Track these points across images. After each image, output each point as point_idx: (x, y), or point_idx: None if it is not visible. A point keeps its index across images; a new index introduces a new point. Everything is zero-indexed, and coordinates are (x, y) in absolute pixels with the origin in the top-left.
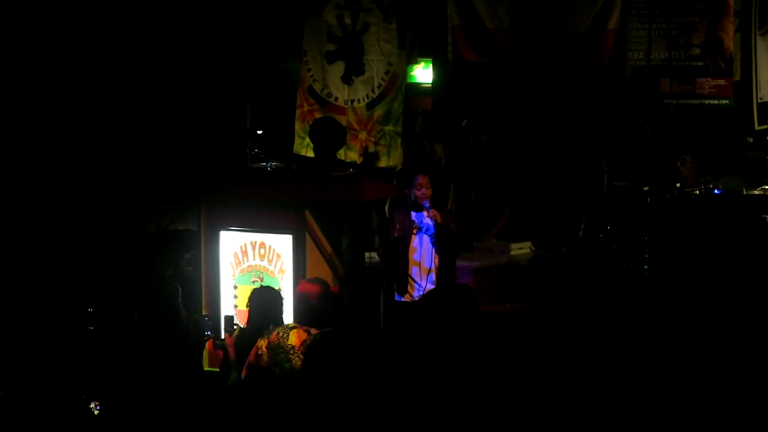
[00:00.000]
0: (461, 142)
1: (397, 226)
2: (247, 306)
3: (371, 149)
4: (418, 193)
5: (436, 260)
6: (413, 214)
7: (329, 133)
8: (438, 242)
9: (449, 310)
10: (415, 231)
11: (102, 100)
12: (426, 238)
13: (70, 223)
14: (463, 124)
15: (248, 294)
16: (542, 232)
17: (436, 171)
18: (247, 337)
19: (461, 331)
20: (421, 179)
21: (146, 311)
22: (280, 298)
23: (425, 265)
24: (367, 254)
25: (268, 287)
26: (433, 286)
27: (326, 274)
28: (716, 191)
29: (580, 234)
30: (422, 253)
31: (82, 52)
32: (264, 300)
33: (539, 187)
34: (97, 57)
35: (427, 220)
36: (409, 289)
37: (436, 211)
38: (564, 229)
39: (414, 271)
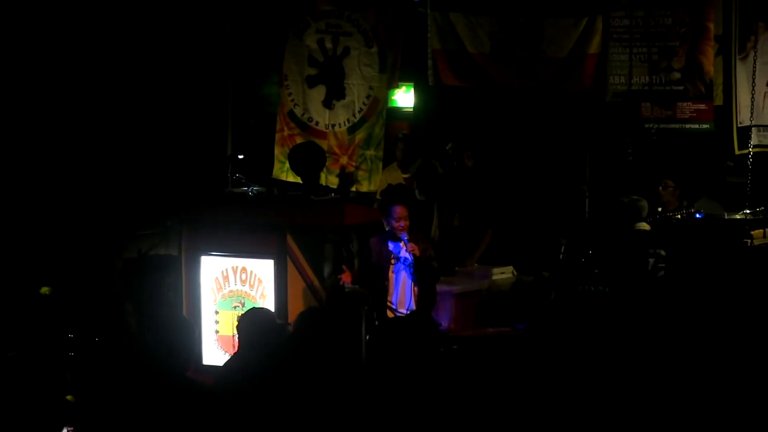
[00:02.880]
0: (445, 166)
1: (374, 255)
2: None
3: (352, 173)
4: (396, 224)
5: (415, 289)
6: (390, 243)
7: (308, 158)
8: (416, 273)
9: (409, 341)
10: (392, 261)
11: (82, 124)
12: (403, 268)
13: (48, 247)
14: (447, 148)
15: (232, 319)
16: (524, 256)
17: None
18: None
19: (424, 360)
20: (400, 211)
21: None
22: (278, 325)
23: (403, 293)
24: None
25: (263, 309)
26: None
27: (308, 299)
28: (698, 215)
29: (561, 258)
30: (400, 282)
31: (59, 75)
32: (257, 324)
33: (521, 212)
34: (77, 82)
35: (405, 252)
36: (389, 315)
37: (414, 245)
38: (546, 254)
39: (393, 299)
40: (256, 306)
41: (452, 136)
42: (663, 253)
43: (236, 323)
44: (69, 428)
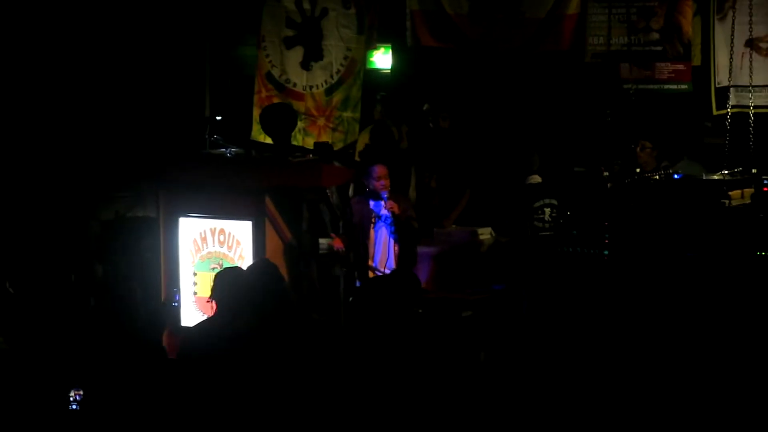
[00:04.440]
0: (421, 128)
1: (356, 215)
2: (211, 293)
3: (329, 136)
4: (377, 183)
5: (396, 248)
6: (371, 202)
7: (279, 119)
8: (397, 231)
9: (390, 299)
10: (373, 220)
11: (57, 85)
12: (384, 228)
13: (23, 208)
14: (424, 109)
15: (210, 281)
16: (501, 217)
17: (398, 156)
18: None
19: (404, 319)
20: (379, 170)
21: (103, 297)
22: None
23: (384, 253)
24: (323, 240)
25: (236, 268)
26: None
27: (286, 260)
28: (675, 176)
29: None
30: (381, 241)
31: (37, 34)
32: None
33: (499, 173)
34: (54, 41)
35: (386, 210)
36: (370, 275)
37: (393, 202)
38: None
39: (374, 259)
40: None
41: (429, 97)
42: (555, 202)
43: (211, 284)
44: (77, 391)
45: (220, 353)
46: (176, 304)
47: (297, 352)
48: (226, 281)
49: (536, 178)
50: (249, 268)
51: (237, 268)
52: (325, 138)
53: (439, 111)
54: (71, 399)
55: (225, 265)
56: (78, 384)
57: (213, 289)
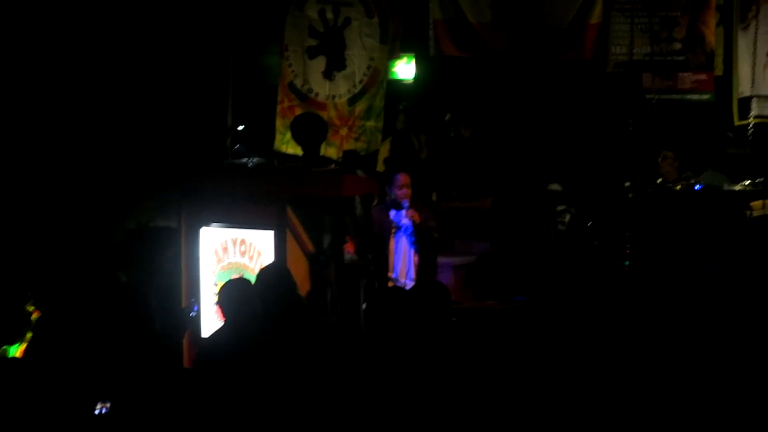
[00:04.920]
0: (443, 137)
1: (375, 224)
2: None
3: (351, 145)
4: (399, 192)
5: (416, 258)
6: (392, 212)
7: (310, 129)
8: (417, 242)
9: (424, 310)
10: (393, 230)
11: (81, 96)
12: (404, 237)
13: (48, 218)
14: (446, 119)
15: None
16: (524, 223)
17: (418, 166)
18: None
19: (438, 330)
20: (403, 178)
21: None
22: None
23: (404, 263)
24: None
25: (238, 280)
26: (413, 284)
27: (307, 271)
28: (697, 187)
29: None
30: (401, 252)
31: (61, 46)
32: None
33: (521, 183)
34: (78, 52)
35: (406, 220)
36: (389, 286)
37: (414, 211)
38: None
39: (394, 269)
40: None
41: (452, 106)
42: (573, 210)
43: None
44: (104, 404)
45: (228, 361)
46: (194, 314)
47: (304, 355)
48: (230, 294)
49: (556, 186)
50: (259, 272)
51: (240, 280)
52: (347, 147)
53: (461, 120)
54: (98, 411)
55: (246, 276)
56: (105, 396)
57: (218, 301)
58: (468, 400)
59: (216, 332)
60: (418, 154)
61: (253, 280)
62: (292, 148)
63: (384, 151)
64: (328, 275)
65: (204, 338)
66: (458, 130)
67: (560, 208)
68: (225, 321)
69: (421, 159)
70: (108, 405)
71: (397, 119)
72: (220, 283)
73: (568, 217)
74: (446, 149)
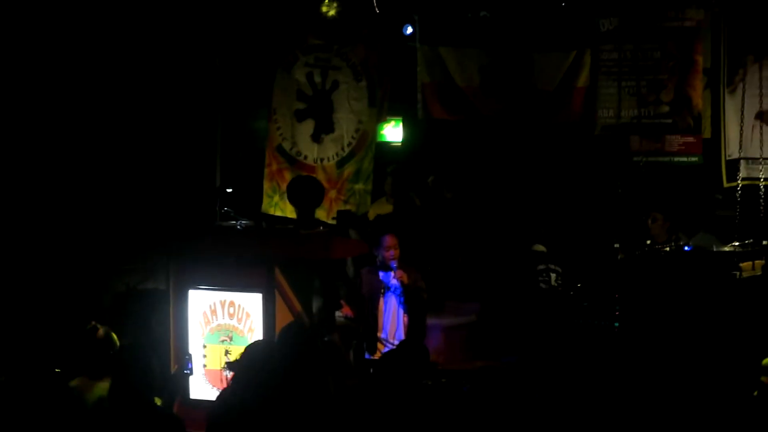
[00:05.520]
0: (426, 199)
1: (365, 285)
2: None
3: (341, 207)
4: (386, 254)
5: (405, 319)
6: (381, 273)
7: (307, 192)
8: (406, 302)
9: (399, 372)
10: (383, 291)
11: (68, 155)
12: (394, 298)
13: (34, 281)
14: (429, 181)
15: (219, 354)
16: (506, 284)
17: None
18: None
19: (412, 391)
20: (389, 240)
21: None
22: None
23: (393, 324)
24: (337, 313)
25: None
26: None
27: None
28: (686, 248)
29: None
30: (390, 312)
31: (47, 104)
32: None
33: (502, 242)
34: (66, 110)
35: (395, 280)
36: (379, 347)
37: (402, 272)
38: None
39: (384, 330)
40: (238, 343)
41: (434, 169)
42: (560, 269)
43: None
44: None
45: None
46: (188, 371)
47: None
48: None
49: (540, 247)
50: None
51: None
52: (336, 210)
53: (444, 182)
54: None
55: (235, 338)
56: None
57: (234, 362)
58: None
59: (223, 392)
60: (418, 212)
61: (241, 342)
62: (280, 211)
63: (372, 214)
64: (335, 340)
65: (214, 401)
66: (441, 192)
67: (540, 267)
68: (232, 380)
69: (421, 217)
70: None
71: (386, 182)
72: (213, 346)
73: (554, 277)
74: (429, 211)
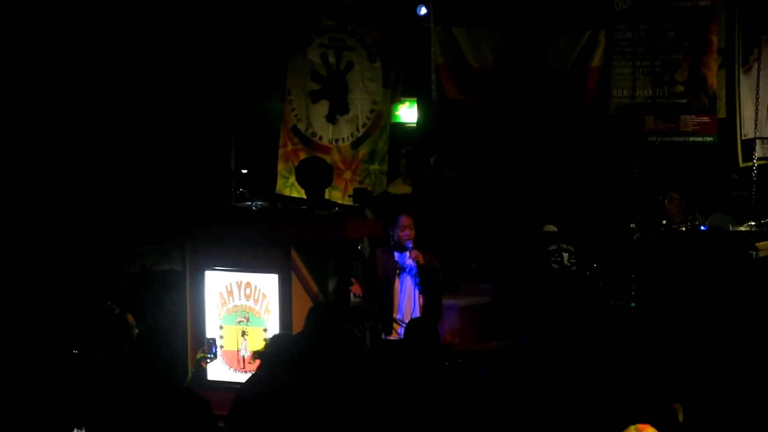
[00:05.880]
0: (425, 179)
1: (380, 266)
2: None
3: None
4: (401, 233)
5: (421, 299)
6: (396, 254)
7: (316, 173)
8: (421, 282)
9: (410, 351)
10: (398, 271)
11: (85, 139)
12: (409, 279)
13: (50, 262)
14: (431, 160)
15: (236, 334)
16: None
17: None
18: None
19: (427, 371)
20: (405, 220)
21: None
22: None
23: (409, 305)
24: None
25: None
26: None
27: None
28: (702, 228)
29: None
30: (406, 293)
31: (64, 85)
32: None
33: (514, 222)
34: (81, 94)
35: (410, 261)
36: (395, 327)
37: (418, 252)
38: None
39: (399, 310)
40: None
41: (439, 148)
42: (572, 249)
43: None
44: (79, 430)
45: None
46: (212, 356)
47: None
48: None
49: (551, 227)
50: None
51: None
52: (351, 191)
53: (446, 162)
54: None
55: (251, 319)
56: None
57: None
58: None
59: (251, 378)
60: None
61: (258, 323)
62: (296, 192)
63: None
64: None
65: (241, 385)
66: (442, 171)
67: (552, 248)
68: (260, 366)
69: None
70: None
71: (400, 163)
72: (229, 327)
73: (566, 257)
74: (428, 190)
